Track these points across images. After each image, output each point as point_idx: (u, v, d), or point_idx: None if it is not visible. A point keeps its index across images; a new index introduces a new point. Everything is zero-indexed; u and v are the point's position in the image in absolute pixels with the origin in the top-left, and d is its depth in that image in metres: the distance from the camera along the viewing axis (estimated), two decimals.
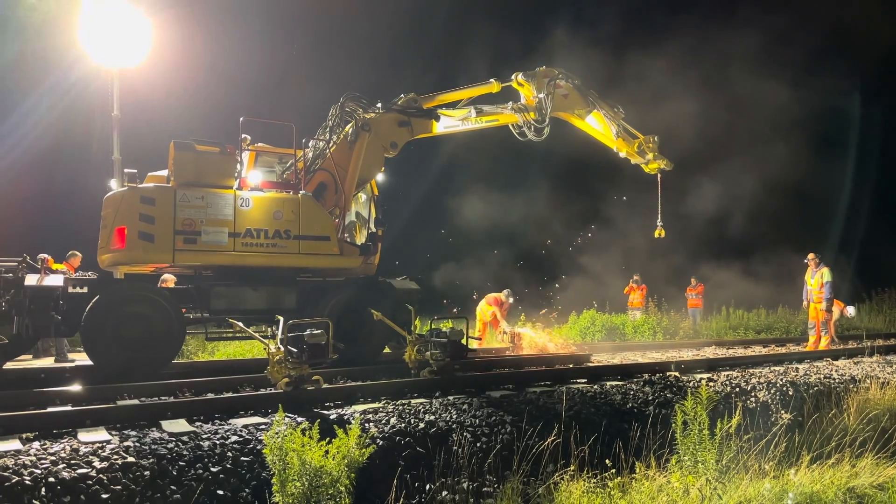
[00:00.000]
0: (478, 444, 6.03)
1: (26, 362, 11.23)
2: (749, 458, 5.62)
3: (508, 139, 11.64)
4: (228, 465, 5.05)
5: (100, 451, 4.86)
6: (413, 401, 7.01)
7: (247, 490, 4.96)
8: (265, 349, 7.01)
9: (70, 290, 8.71)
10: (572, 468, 5.44)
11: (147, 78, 17.41)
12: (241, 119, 9.80)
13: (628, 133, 12.21)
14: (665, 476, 5.38)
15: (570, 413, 6.62)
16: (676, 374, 9.53)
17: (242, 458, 5.16)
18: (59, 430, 5.54)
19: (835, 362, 11.48)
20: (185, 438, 5.28)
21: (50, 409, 6.41)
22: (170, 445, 5.10)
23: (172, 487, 4.74)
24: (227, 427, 5.67)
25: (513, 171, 24.87)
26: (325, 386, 7.10)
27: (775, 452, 5.99)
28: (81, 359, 10.52)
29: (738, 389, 8.49)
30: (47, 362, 11.16)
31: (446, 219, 21.53)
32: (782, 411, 7.30)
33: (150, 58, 15.66)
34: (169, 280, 10.92)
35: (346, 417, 6.12)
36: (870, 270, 26.31)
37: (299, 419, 5.86)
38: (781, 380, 9.12)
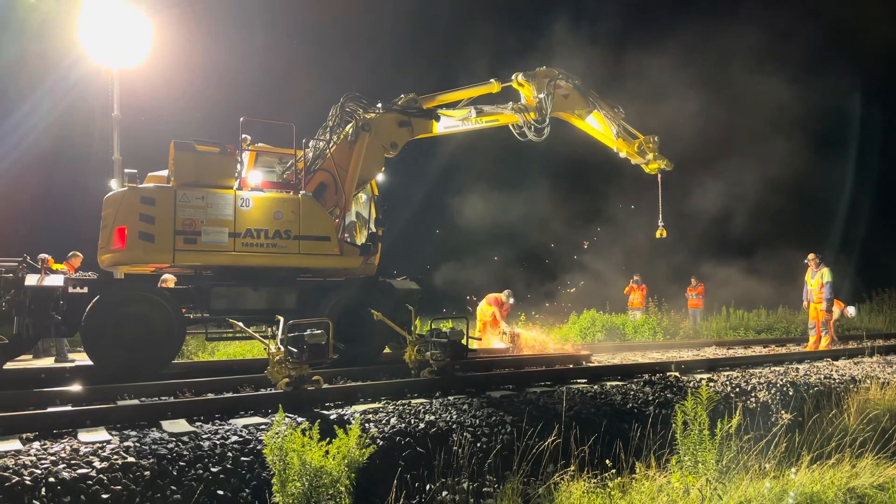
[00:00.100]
0: (478, 445, 6.03)
1: (26, 362, 11.24)
2: (749, 458, 5.61)
3: (509, 139, 11.64)
4: (229, 466, 5.05)
5: (100, 451, 4.86)
6: (413, 401, 7.01)
7: (247, 490, 4.96)
8: (265, 349, 7.01)
9: (70, 290, 8.71)
10: (572, 468, 5.44)
11: (147, 78, 17.43)
12: (242, 119, 9.80)
13: (628, 133, 12.20)
14: (665, 476, 5.38)
15: (571, 413, 6.63)
16: (676, 374, 9.53)
17: (243, 459, 5.16)
18: (59, 431, 5.54)
19: (835, 362, 11.48)
20: (185, 438, 5.28)
21: (50, 410, 6.41)
22: (170, 445, 5.11)
23: (173, 487, 4.75)
24: (227, 427, 5.67)
25: (514, 171, 24.87)
26: (325, 386, 7.10)
27: (775, 452, 5.99)
28: (81, 359, 10.52)
29: (738, 389, 8.49)
30: (47, 362, 11.17)
31: (446, 219, 21.54)
32: (782, 411, 7.29)
33: (151, 58, 15.68)
34: (169, 280, 10.92)
35: (346, 417, 6.12)
36: (870, 270, 26.32)
37: (299, 419, 5.86)
38: (782, 380, 9.12)
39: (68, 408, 6.64)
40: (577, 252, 21.26)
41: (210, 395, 7.56)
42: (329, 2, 27.78)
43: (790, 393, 8.53)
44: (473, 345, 11.43)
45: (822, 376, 9.70)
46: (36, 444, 5.02)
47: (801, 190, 26.93)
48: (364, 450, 4.72)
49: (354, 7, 29.11)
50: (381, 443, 5.65)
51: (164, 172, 9.49)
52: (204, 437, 5.37)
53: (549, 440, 5.65)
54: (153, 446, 5.04)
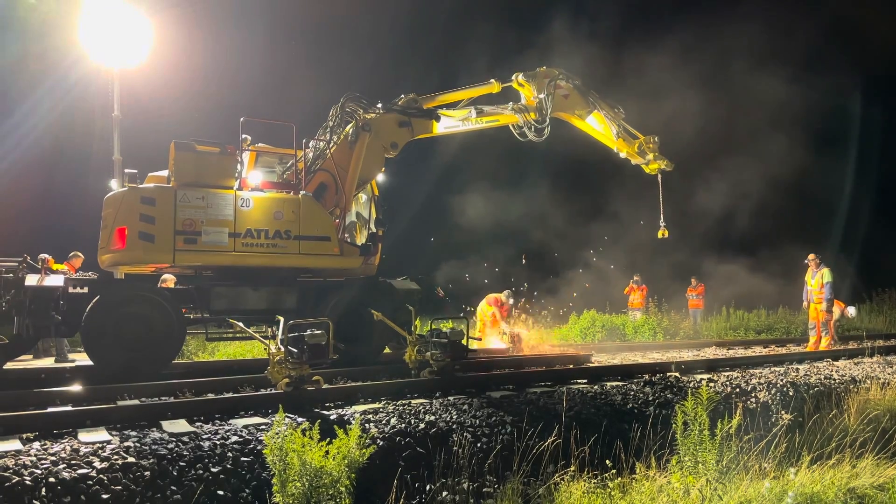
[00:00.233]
0: (478, 445, 6.03)
1: (27, 362, 11.24)
2: (749, 458, 5.61)
3: (510, 139, 11.64)
4: (229, 466, 5.05)
5: (100, 451, 4.86)
6: (413, 401, 7.01)
7: (247, 490, 4.96)
8: (265, 349, 7.01)
9: (70, 290, 8.72)
10: (573, 469, 5.43)
11: (147, 78, 17.44)
12: (242, 119, 9.80)
13: (628, 133, 12.20)
14: (665, 476, 5.38)
15: (571, 413, 6.62)
16: (677, 374, 9.53)
17: (243, 459, 5.16)
18: (59, 431, 5.54)
19: (835, 363, 11.48)
20: (185, 439, 5.28)
21: (50, 410, 6.40)
22: (170, 446, 5.10)
23: (173, 488, 4.74)
24: (227, 427, 5.67)
25: (514, 171, 24.90)
26: (325, 386, 7.10)
27: (775, 453, 5.99)
28: (82, 359, 10.52)
29: (738, 390, 8.49)
30: (48, 362, 11.17)
31: (447, 219, 21.55)
32: (783, 412, 7.29)
33: (151, 58, 15.70)
34: (168, 280, 10.92)
35: (346, 418, 6.12)
36: (870, 271, 26.32)
37: (299, 419, 5.86)
38: (782, 380, 9.12)
39: (68, 408, 6.64)
40: (576, 253, 21.27)
41: (210, 396, 7.56)
42: (329, 2, 27.79)
43: (790, 393, 8.53)
44: (473, 345, 11.44)
45: (823, 377, 9.70)
46: (36, 445, 5.02)
47: (802, 189, 26.96)
48: (364, 450, 4.72)
49: (354, 7, 29.13)
50: (382, 443, 5.64)
51: (165, 172, 9.49)
52: (204, 437, 5.37)
53: (550, 440, 5.65)
54: (153, 446, 5.04)
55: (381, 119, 10.52)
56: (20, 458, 4.65)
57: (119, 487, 4.58)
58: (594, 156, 14.23)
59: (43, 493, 4.35)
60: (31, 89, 22.99)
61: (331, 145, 10.40)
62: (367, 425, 5.85)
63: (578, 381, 8.95)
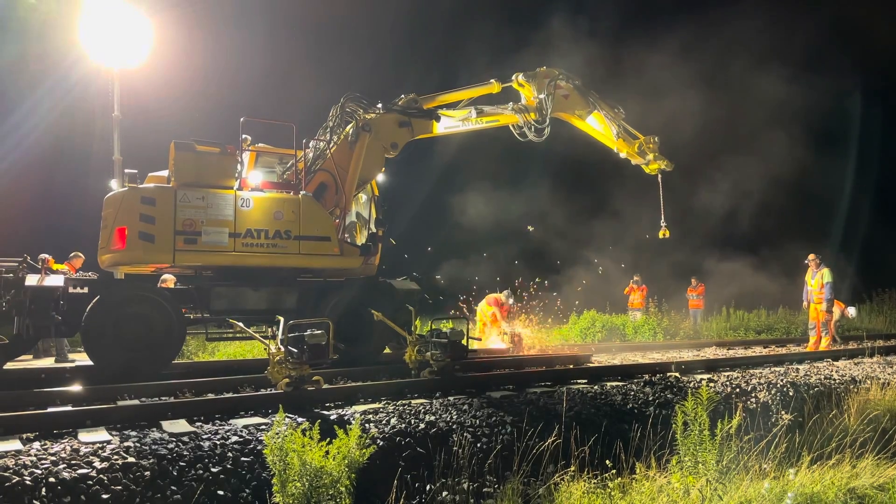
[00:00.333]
0: (478, 445, 6.03)
1: (27, 362, 11.24)
2: (749, 458, 5.61)
3: (510, 138, 11.64)
4: (229, 466, 5.05)
5: (100, 451, 4.86)
6: (413, 401, 7.01)
7: (247, 490, 4.96)
8: (265, 349, 7.01)
9: (70, 290, 8.72)
10: (573, 469, 5.43)
11: (147, 78, 17.45)
12: (242, 119, 9.80)
13: (629, 133, 12.20)
14: (665, 477, 5.38)
15: (571, 413, 6.62)
16: (677, 374, 9.53)
17: (243, 459, 5.16)
18: (59, 431, 5.54)
19: (835, 363, 11.48)
20: (185, 439, 5.28)
21: (50, 410, 6.40)
22: (170, 446, 5.11)
23: (173, 488, 4.75)
24: (227, 427, 5.67)
25: (515, 170, 24.91)
26: (325, 386, 7.10)
27: (776, 453, 5.98)
28: (82, 359, 10.52)
29: (738, 390, 8.49)
30: (48, 362, 11.17)
31: (447, 219, 21.56)
32: (783, 412, 7.29)
33: (151, 58, 15.71)
34: (168, 280, 10.92)
35: (346, 418, 6.12)
36: (870, 271, 26.32)
37: (300, 419, 5.86)
38: (782, 380, 9.12)
39: (68, 408, 6.64)
40: (578, 253, 21.27)
41: (210, 396, 7.56)
42: (329, 2, 27.81)
43: (790, 393, 8.53)
44: (474, 345, 11.44)
45: (823, 377, 9.70)
46: (36, 445, 5.02)
47: (802, 189, 26.98)
48: (364, 450, 4.72)
49: (355, 7, 29.15)
50: (382, 443, 5.64)
51: (165, 173, 9.49)
52: (204, 437, 5.37)
53: (550, 440, 5.65)
54: (153, 446, 5.04)
55: (381, 119, 10.52)
56: (20, 458, 4.65)
57: (119, 487, 4.58)
58: (594, 155, 14.24)
59: (43, 493, 4.35)
60: (31, 89, 23.02)
61: (331, 145, 10.40)
62: (367, 425, 5.85)
63: (578, 381, 8.95)
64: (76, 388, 7.60)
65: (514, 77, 11.59)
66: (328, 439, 4.65)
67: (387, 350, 10.92)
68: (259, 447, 5.19)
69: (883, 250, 28.09)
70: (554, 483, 5.32)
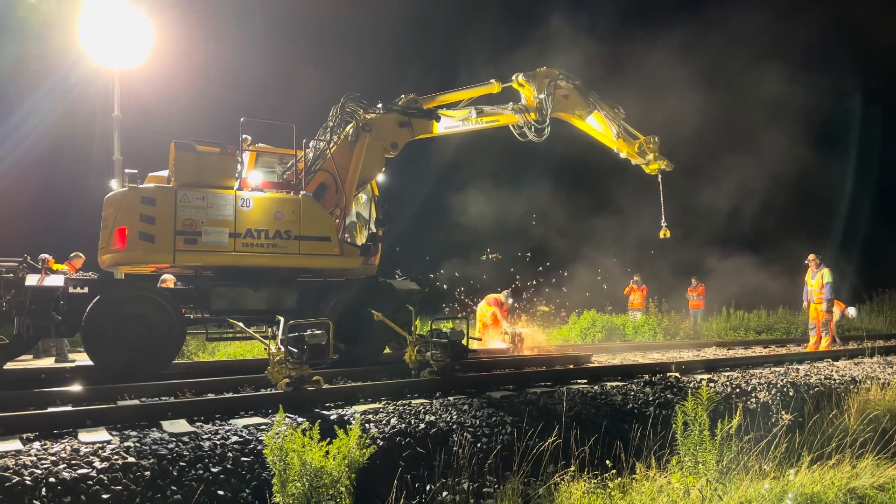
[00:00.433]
0: (478, 445, 6.03)
1: (27, 362, 11.24)
2: (749, 458, 5.61)
3: (510, 138, 11.64)
4: (229, 466, 5.05)
5: (100, 451, 4.86)
6: (413, 401, 7.01)
7: (247, 490, 4.96)
8: (266, 350, 7.01)
9: (71, 290, 8.72)
10: (573, 469, 5.43)
11: (148, 78, 17.47)
12: (242, 119, 9.80)
13: (629, 133, 12.20)
14: (665, 477, 5.38)
15: (571, 414, 6.62)
16: (677, 374, 9.53)
17: (243, 459, 5.16)
18: (59, 431, 5.54)
19: (835, 363, 11.47)
20: (185, 439, 5.28)
21: (50, 410, 6.40)
22: (170, 446, 5.11)
23: (173, 488, 4.75)
24: (227, 427, 5.67)
25: (515, 170, 24.91)
26: (325, 386, 7.10)
27: (776, 453, 5.99)
28: (82, 359, 10.52)
29: (738, 390, 8.49)
30: (48, 362, 11.17)
31: (447, 218, 21.56)
32: (783, 412, 7.29)
33: (151, 58, 15.72)
34: (168, 280, 10.92)
35: (346, 418, 6.12)
36: (870, 271, 26.33)
37: (300, 419, 5.86)
38: (782, 380, 9.12)
39: (69, 408, 6.64)
40: (578, 253, 21.28)
41: (210, 396, 7.56)
42: (330, 2, 27.81)
43: (790, 393, 8.53)
44: (474, 345, 11.44)
45: (823, 377, 9.69)
46: (36, 445, 5.02)
47: (802, 188, 26.99)
48: (364, 450, 4.72)
49: (355, 7, 29.15)
50: (382, 443, 5.65)
51: (165, 173, 9.49)
52: (204, 437, 5.37)
53: (550, 440, 5.65)
54: (153, 446, 5.04)
55: (381, 119, 10.52)
56: (20, 458, 4.65)
57: (119, 487, 4.58)
58: (594, 155, 14.23)
59: (43, 493, 4.35)
60: (31, 90, 23.05)
61: (331, 145, 10.40)
62: (367, 425, 5.85)
63: (578, 381, 8.95)
64: (76, 388, 7.60)
65: (514, 77, 11.59)
66: (328, 439, 4.65)
67: (387, 350, 10.91)
68: (259, 447, 5.19)
69: (883, 250, 28.10)
70: (554, 483, 5.32)
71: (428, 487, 5.41)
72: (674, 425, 5.48)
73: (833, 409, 7.52)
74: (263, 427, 5.67)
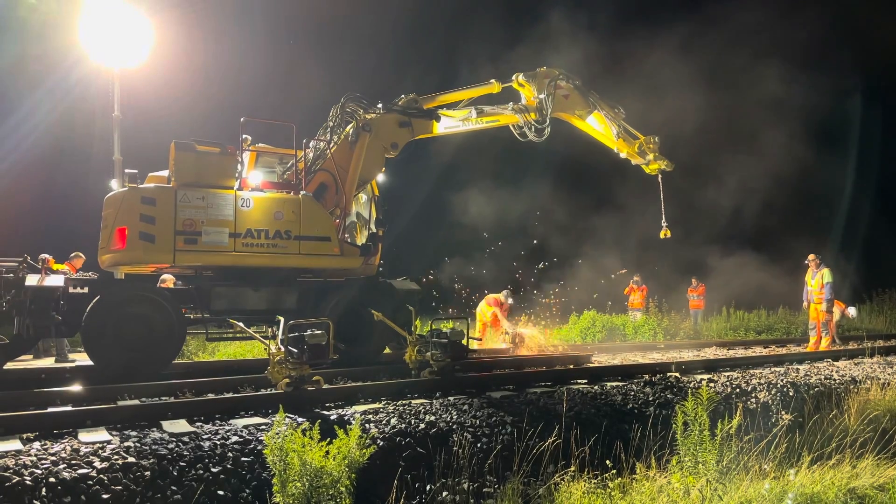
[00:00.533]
0: (478, 445, 6.03)
1: (27, 362, 11.24)
2: (749, 458, 5.61)
3: (510, 138, 11.64)
4: (229, 466, 5.05)
5: (100, 451, 4.86)
6: (413, 401, 7.01)
7: (247, 490, 4.96)
8: (266, 350, 7.01)
9: (71, 290, 8.72)
10: (573, 469, 5.44)
11: (148, 78, 17.48)
12: (242, 119, 9.80)
13: (629, 134, 12.20)
14: (665, 477, 5.38)
15: (571, 414, 6.62)
16: (677, 374, 9.53)
17: (243, 459, 5.16)
18: (59, 431, 5.54)
19: (835, 363, 11.47)
20: (185, 439, 5.28)
21: (50, 410, 6.40)
22: (170, 446, 5.11)
23: (173, 488, 4.75)
24: (227, 427, 5.67)
25: (515, 169, 24.93)
26: (325, 386, 7.10)
27: (776, 453, 5.99)
28: (82, 359, 10.52)
29: (738, 390, 8.49)
30: (48, 362, 11.17)
31: (447, 218, 21.57)
32: (783, 412, 7.29)
33: (151, 58, 15.72)
34: (168, 280, 10.92)
35: (346, 418, 6.12)
36: (870, 271, 26.33)
37: (300, 420, 5.86)
38: (782, 380, 9.12)
39: (69, 408, 6.64)
40: (578, 252, 21.28)
41: (210, 396, 7.56)
42: (330, 2, 27.81)
43: (790, 393, 8.53)
44: (474, 345, 11.44)
45: (823, 377, 9.69)
46: (36, 445, 5.02)
47: (802, 188, 26.99)
48: (364, 450, 4.72)
49: (355, 7, 29.15)
50: (382, 443, 5.65)
51: (165, 173, 9.49)
52: (204, 437, 5.37)
53: (550, 440, 5.65)
54: (153, 446, 5.04)
55: (381, 119, 10.52)
56: (20, 458, 4.65)
57: (119, 487, 4.58)
58: (594, 155, 14.24)
59: (43, 493, 4.35)
60: (31, 90, 23.07)
61: (331, 145, 10.40)
62: (367, 425, 5.85)
63: (578, 381, 8.95)
64: (76, 388, 7.60)
65: (514, 77, 11.59)
66: (328, 439, 4.65)
67: (387, 350, 10.92)
68: (259, 447, 5.19)
69: (883, 250, 28.10)
70: (554, 483, 5.33)
71: (428, 487, 5.41)
72: (674, 425, 5.48)
73: (833, 409, 7.52)
74: (263, 427, 5.67)
